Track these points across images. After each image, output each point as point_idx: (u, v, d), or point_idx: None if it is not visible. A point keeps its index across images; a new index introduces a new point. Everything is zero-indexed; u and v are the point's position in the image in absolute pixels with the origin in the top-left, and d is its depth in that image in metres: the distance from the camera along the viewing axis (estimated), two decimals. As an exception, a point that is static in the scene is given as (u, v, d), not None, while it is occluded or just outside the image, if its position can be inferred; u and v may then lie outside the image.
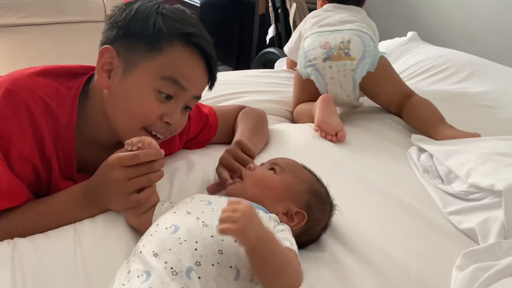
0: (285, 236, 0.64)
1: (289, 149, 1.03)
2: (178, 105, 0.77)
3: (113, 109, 0.76)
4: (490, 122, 1.34)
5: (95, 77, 0.77)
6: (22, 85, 0.73)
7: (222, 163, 0.84)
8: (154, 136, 0.78)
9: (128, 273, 0.57)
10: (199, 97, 0.81)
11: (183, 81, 0.74)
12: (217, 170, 0.85)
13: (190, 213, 0.64)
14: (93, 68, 0.80)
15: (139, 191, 0.70)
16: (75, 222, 0.73)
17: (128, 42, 0.74)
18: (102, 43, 0.76)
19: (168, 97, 0.75)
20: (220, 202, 0.68)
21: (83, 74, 0.81)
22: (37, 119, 0.72)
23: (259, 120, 1.06)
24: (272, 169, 0.77)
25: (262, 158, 0.88)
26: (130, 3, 0.77)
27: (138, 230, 0.72)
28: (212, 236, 0.59)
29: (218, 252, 0.57)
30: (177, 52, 0.73)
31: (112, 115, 0.77)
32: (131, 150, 0.69)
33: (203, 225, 0.61)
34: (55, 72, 0.78)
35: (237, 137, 0.97)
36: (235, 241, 0.58)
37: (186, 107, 0.80)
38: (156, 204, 0.73)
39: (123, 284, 0.55)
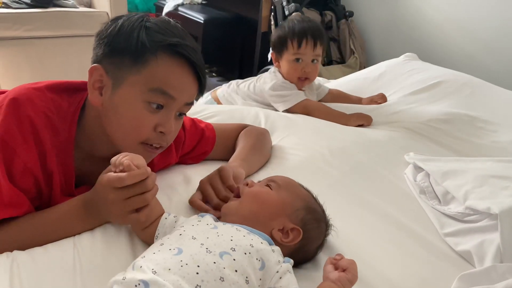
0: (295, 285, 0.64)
1: (287, 167, 1.03)
2: (169, 113, 0.77)
3: (109, 125, 0.77)
4: (487, 144, 1.35)
5: (89, 95, 0.78)
6: (26, 99, 0.74)
7: (200, 188, 0.85)
8: (151, 146, 0.78)
9: (124, 279, 0.56)
10: (191, 103, 0.81)
11: (170, 91, 0.75)
12: (196, 192, 0.86)
13: (196, 238, 0.64)
14: None
15: (138, 209, 0.70)
16: (75, 235, 0.73)
17: (114, 59, 0.75)
18: (92, 61, 0.78)
19: (159, 107, 0.76)
20: (224, 228, 0.68)
21: (84, 90, 0.82)
22: (40, 132, 0.73)
23: (259, 139, 1.07)
24: (268, 186, 0.78)
25: (261, 176, 0.89)
26: (116, 18, 0.78)
27: (145, 242, 0.73)
28: (214, 263, 0.59)
29: (220, 279, 0.57)
30: (161, 64, 0.74)
31: (109, 131, 0.78)
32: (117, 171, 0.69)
33: (207, 251, 0.61)
34: (58, 87, 0.80)
35: (234, 156, 0.97)
36: (236, 270, 0.59)
37: (180, 114, 0.81)
38: (160, 216, 0.73)
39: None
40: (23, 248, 0.71)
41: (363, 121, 1.42)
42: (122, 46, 0.74)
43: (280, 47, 1.53)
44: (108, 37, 0.76)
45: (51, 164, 0.75)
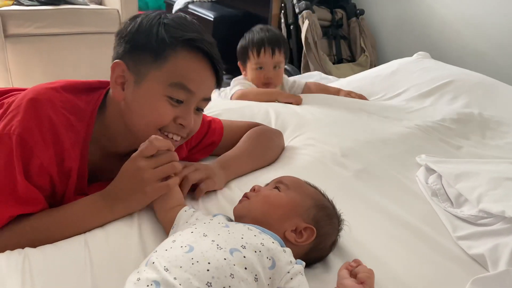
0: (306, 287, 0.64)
1: (297, 167, 1.02)
2: (189, 107, 0.80)
3: (130, 117, 0.80)
4: (501, 145, 1.33)
5: (111, 90, 0.81)
6: (45, 99, 0.75)
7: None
8: (171, 139, 0.81)
9: (138, 280, 0.57)
10: (208, 99, 0.84)
11: (190, 85, 0.78)
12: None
13: (207, 235, 0.64)
14: (109, 83, 0.83)
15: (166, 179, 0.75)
16: (91, 230, 0.74)
17: (135, 55, 0.78)
18: (113, 58, 0.80)
19: (179, 101, 0.79)
20: (236, 227, 0.69)
21: (100, 89, 0.84)
22: (60, 132, 0.75)
23: (262, 144, 1.03)
24: (276, 188, 0.78)
25: (270, 176, 0.89)
26: (134, 17, 0.81)
27: (163, 226, 0.76)
28: (225, 259, 0.59)
29: (230, 276, 0.58)
30: (181, 58, 0.77)
31: (130, 123, 0.80)
32: None
33: (217, 247, 0.61)
34: (74, 87, 0.81)
35: (224, 155, 0.96)
36: (245, 268, 0.59)
37: (198, 109, 0.84)
38: (182, 205, 0.76)
39: None
40: (37, 244, 0.71)
41: (292, 99, 1.50)
42: (142, 42, 0.77)
43: (244, 57, 1.64)
44: (128, 35, 0.78)
45: (68, 162, 0.77)
